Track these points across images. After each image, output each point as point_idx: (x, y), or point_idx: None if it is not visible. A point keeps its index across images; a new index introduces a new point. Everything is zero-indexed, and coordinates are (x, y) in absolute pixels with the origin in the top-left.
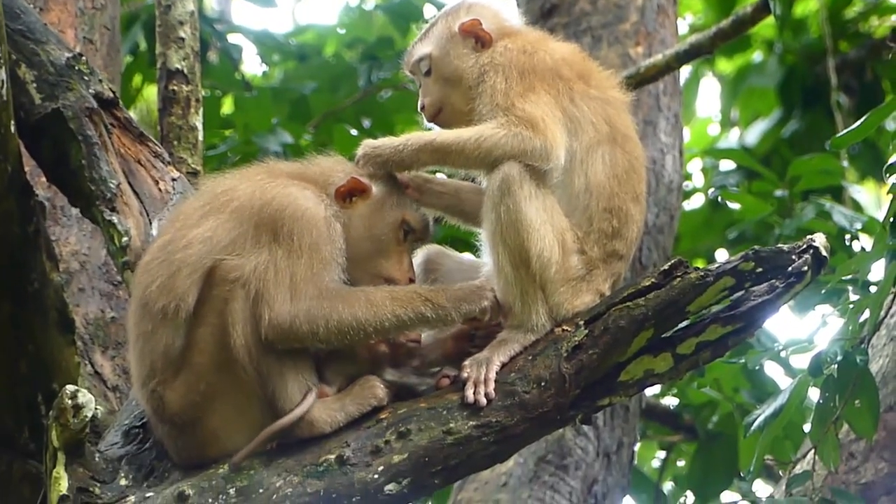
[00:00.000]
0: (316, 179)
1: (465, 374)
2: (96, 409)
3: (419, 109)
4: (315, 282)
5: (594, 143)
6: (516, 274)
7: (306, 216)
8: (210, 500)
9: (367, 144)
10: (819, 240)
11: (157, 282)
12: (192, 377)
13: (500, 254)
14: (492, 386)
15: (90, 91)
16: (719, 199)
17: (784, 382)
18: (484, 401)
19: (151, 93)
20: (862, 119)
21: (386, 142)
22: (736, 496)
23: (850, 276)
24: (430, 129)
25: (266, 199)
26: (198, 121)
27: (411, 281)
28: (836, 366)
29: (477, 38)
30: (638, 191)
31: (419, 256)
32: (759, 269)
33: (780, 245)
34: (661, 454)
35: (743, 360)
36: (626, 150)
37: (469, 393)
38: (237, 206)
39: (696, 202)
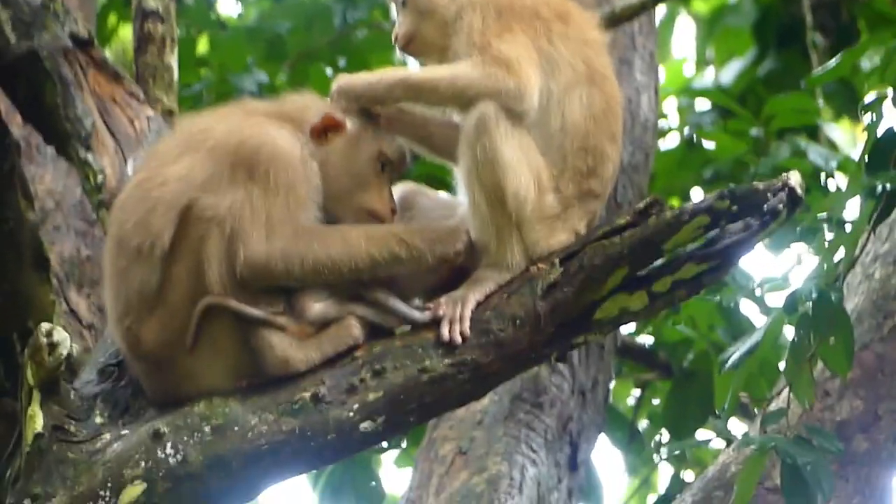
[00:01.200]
0: (292, 118)
1: (441, 312)
2: (72, 346)
3: (392, 40)
4: (291, 221)
5: (572, 83)
6: (492, 212)
7: (283, 155)
8: (185, 438)
9: (342, 79)
10: (794, 178)
11: (133, 219)
12: (167, 315)
13: (476, 193)
14: (467, 324)
15: (65, 31)
16: (694, 138)
17: (759, 320)
18: (459, 339)
19: (126, 32)
20: (837, 58)
21: (361, 77)
22: (711, 434)
23: (825, 215)
24: (404, 66)
25: (242, 137)
26: (173, 60)
27: (393, 212)
28: (810, 304)
29: None
30: (614, 130)
31: (395, 194)
32: (735, 208)
33: (755, 183)
34: (637, 392)
35: (718, 298)
36: (603, 90)
37: (444, 331)
38: (213, 145)
39: (671, 141)
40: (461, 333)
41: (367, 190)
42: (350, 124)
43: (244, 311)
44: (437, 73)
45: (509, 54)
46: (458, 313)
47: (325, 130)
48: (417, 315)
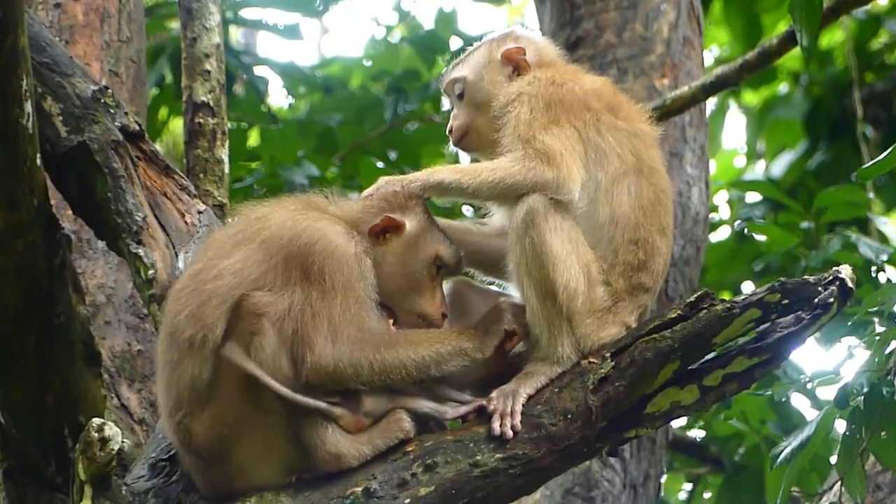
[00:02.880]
0: (348, 215)
1: (492, 407)
2: (123, 441)
3: (447, 132)
4: (354, 323)
5: (620, 174)
6: (542, 305)
7: (337, 252)
8: None
9: (382, 180)
10: (845, 271)
11: (186, 311)
12: (220, 409)
13: (526, 286)
14: (518, 418)
15: (116, 124)
16: (745, 230)
17: (810, 414)
18: (510, 433)
19: (177, 125)
20: (888, 150)
21: (399, 177)
22: None
23: (876, 308)
24: (453, 161)
25: (296, 231)
26: (224, 153)
27: (444, 316)
28: (862, 397)
29: (516, 66)
30: (664, 223)
31: (444, 290)
32: (786, 301)
33: (806, 277)
34: (688, 486)
35: (769, 392)
36: (652, 182)
37: (496, 425)
38: (267, 237)
39: (722, 234)
40: (512, 427)
41: (421, 293)
42: (409, 225)
43: (300, 401)
44: (477, 168)
45: (553, 146)
46: (509, 407)
47: (384, 231)
48: (465, 409)
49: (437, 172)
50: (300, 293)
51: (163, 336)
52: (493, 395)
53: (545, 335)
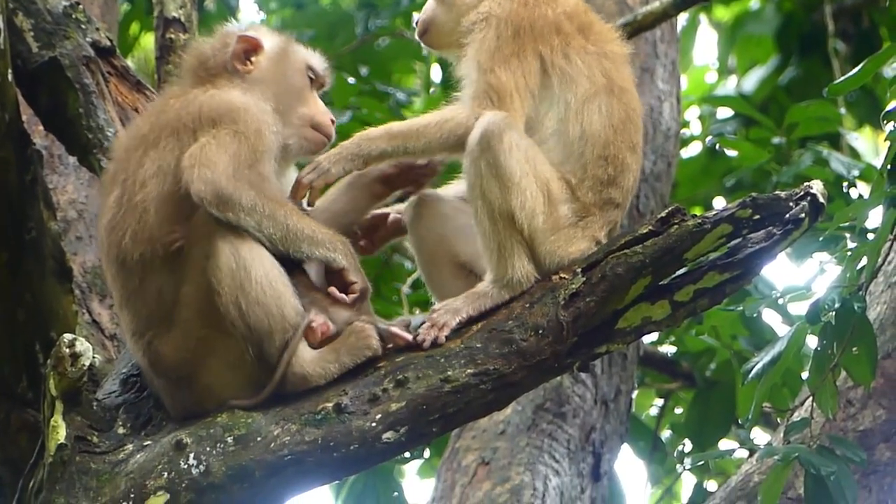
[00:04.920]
0: (220, 69)
1: (433, 317)
2: (94, 357)
3: (413, 24)
4: (255, 163)
5: (590, 94)
6: (493, 229)
7: (245, 107)
8: (208, 449)
9: (332, 152)
10: (816, 187)
11: (129, 232)
12: (183, 332)
13: (479, 209)
14: (446, 332)
15: (87, 39)
16: (717, 146)
17: (782, 330)
18: (429, 342)
19: (149, 41)
20: (859, 66)
21: (346, 144)
22: (734, 444)
23: (847, 224)
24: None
25: (199, 104)
26: None
27: (332, 121)
28: (833, 313)
29: None
30: (634, 141)
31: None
32: (757, 217)
33: (777, 192)
34: (659, 402)
35: (741, 308)
36: (622, 101)
37: (422, 333)
38: (175, 126)
39: (693, 150)
40: (435, 339)
41: (305, 102)
42: (266, 42)
43: None
44: (422, 126)
45: (506, 85)
46: (442, 321)
47: (245, 54)
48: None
49: (377, 140)
50: (210, 135)
51: (114, 271)
52: (437, 307)
53: (495, 258)
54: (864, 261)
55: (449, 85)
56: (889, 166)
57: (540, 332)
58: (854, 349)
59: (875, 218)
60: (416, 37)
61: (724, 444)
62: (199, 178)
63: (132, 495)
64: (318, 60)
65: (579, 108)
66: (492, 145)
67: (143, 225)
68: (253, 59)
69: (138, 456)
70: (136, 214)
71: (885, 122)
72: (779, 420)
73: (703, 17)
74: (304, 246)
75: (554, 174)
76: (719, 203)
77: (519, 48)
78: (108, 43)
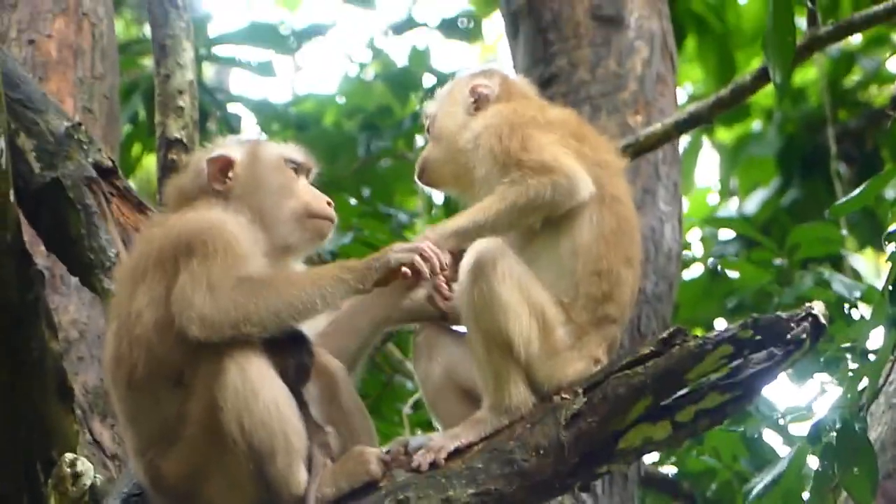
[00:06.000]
0: (200, 193)
1: (431, 444)
2: (95, 476)
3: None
4: (232, 273)
5: (581, 204)
6: (489, 357)
7: (214, 225)
8: None
9: (430, 232)
10: (818, 308)
11: (142, 358)
12: (186, 450)
13: (474, 337)
14: (444, 454)
15: (89, 160)
16: (718, 267)
17: (783, 451)
18: (426, 466)
19: (151, 162)
20: (861, 187)
21: (441, 228)
22: None
23: (848, 344)
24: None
25: (176, 231)
26: None
27: (329, 204)
28: (834, 434)
29: (477, 100)
30: (630, 254)
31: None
32: (758, 337)
33: (778, 313)
34: None
35: (742, 428)
36: (613, 211)
37: (417, 458)
38: (157, 258)
39: (695, 271)
40: (433, 462)
41: (293, 194)
42: (237, 154)
43: None
44: (484, 206)
45: (542, 157)
46: (438, 445)
47: (221, 173)
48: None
49: (449, 223)
50: (184, 270)
51: (122, 394)
52: (435, 436)
53: (492, 385)
54: (865, 381)
55: (450, 207)
56: (890, 287)
57: (541, 452)
58: (855, 470)
59: (876, 339)
60: (416, 179)
61: None
62: (186, 321)
63: None
64: (292, 150)
65: (570, 217)
66: (485, 273)
67: (152, 355)
68: (230, 174)
69: None
70: (141, 346)
71: (886, 243)
72: None
73: (705, 139)
74: (319, 302)
75: (548, 299)
76: (721, 325)
77: (526, 136)
78: (110, 163)
